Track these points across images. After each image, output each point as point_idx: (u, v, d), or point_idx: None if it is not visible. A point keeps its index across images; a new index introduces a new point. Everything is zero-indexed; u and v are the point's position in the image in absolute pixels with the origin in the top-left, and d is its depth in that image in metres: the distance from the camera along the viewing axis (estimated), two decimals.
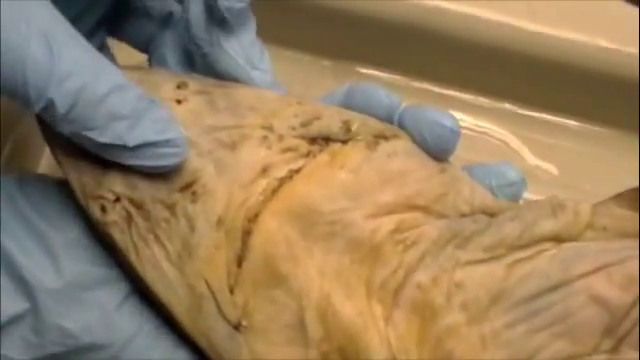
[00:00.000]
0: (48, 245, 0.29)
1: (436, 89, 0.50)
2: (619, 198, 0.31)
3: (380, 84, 0.50)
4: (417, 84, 0.51)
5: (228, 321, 0.29)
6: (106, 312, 0.29)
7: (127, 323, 0.30)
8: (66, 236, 0.30)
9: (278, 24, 0.47)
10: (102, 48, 0.36)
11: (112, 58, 0.36)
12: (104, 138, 0.27)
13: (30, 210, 0.30)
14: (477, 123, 0.50)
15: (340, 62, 0.51)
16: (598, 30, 0.46)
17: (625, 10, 0.45)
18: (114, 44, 0.37)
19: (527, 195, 0.43)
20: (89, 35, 0.33)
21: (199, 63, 0.32)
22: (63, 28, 0.27)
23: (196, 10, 0.31)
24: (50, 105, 0.27)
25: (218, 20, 0.31)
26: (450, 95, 0.50)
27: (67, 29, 0.27)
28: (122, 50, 0.36)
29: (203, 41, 0.31)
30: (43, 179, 0.32)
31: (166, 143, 0.28)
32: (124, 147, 0.28)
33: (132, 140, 0.28)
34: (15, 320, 0.29)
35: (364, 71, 0.51)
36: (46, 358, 0.29)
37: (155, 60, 0.34)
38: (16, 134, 0.45)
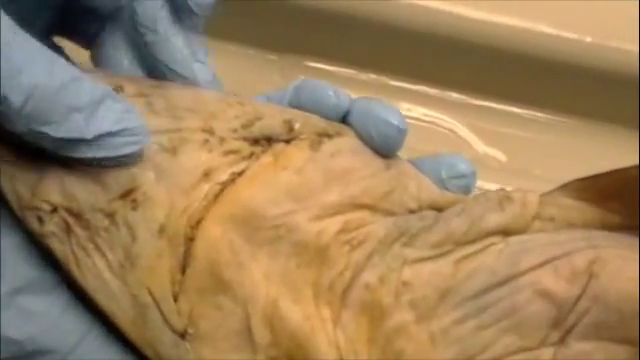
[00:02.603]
0: None
1: (384, 80, 0.50)
2: (565, 188, 0.31)
3: (328, 77, 0.51)
4: (365, 76, 0.50)
5: (173, 329, 0.28)
6: (51, 318, 0.29)
7: (73, 327, 0.29)
8: (11, 239, 0.29)
9: (221, 17, 0.46)
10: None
11: (66, 57, 0.35)
12: (61, 133, 0.27)
13: None
14: (425, 112, 0.49)
15: (287, 56, 0.51)
16: (540, 16, 0.46)
17: None
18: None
19: (478, 182, 0.43)
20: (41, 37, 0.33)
21: (138, 54, 0.32)
22: (9, 28, 0.27)
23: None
24: (4, 101, 0.26)
25: (174, 12, 0.31)
26: (398, 86, 0.50)
27: (13, 28, 0.27)
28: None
29: (147, 30, 0.31)
30: None
31: (124, 132, 0.28)
32: (82, 140, 0.27)
33: (90, 132, 0.27)
34: None
35: (311, 64, 0.51)
36: None
37: (102, 58, 0.33)
38: None
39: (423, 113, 0.49)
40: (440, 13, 0.47)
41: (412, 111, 0.49)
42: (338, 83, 0.50)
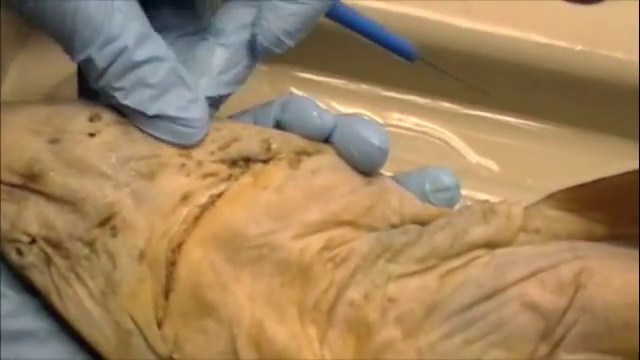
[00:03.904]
0: None
1: (375, 90, 0.50)
2: (549, 199, 0.30)
3: (318, 88, 0.50)
4: (355, 86, 0.50)
5: (158, 356, 0.28)
6: (37, 338, 0.29)
7: (57, 353, 0.29)
8: None
9: None
10: None
11: None
12: (126, 101, 0.29)
13: None
14: (417, 122, 0.49)
15: (276, 66, 0.50)
16: (532, 25, 0.46)
17: (561, 6, 0.45)
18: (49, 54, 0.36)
19: (469, 193, 0.43)
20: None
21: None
22: None
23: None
24: (90, 61, 0.28)
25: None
26: (389, 96, 0.50)
27: None
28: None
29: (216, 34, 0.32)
30: None
31: (183, 121, 0.29)
32: (143, 114, 0.29)
33: (151, 110, 0.29)
34: None
35: (301, 75, 0.50)
36: None
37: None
38: None
39: (415, 123, 0.49)
40: (431, 23, 0.47)
41: (403, 121, 0.49)
42: (328, 94, 0.50)
